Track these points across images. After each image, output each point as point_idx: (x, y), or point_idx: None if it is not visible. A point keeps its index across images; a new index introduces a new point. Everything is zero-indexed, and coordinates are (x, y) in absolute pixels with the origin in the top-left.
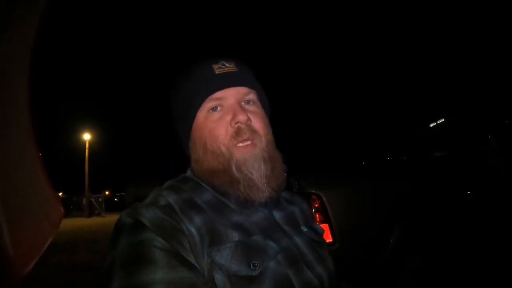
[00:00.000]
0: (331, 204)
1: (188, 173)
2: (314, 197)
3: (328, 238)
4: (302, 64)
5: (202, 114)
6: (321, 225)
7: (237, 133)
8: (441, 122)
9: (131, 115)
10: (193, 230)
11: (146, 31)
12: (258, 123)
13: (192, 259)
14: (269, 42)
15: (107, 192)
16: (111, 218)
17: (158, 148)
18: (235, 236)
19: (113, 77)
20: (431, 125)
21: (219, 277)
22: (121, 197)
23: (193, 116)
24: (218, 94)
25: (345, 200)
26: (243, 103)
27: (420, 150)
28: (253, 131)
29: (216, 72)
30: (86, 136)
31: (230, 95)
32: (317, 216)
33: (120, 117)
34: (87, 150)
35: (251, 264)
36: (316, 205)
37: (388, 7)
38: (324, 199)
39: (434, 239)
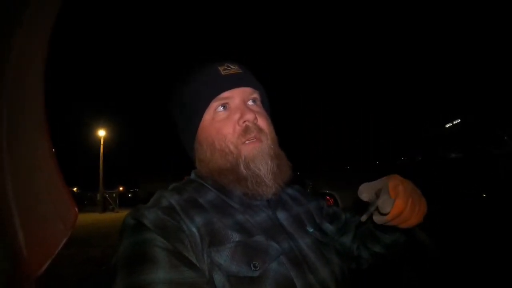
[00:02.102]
0: (345, 204)
1: (192, 175)
2: (328, 197)
3: None
4: (315, 63)
5: (209, 114)
6: None
7: (245, 131)
8: (457, 122)
9: (146, 112)
10: (194, 229)
11: (163, 32)
12: (263, 122)
13: (193, 259)
14: (278, 39)
15: (121, 188)
16: (125, 214)
17: (171, 145)
18: (235, 236)
19: (129, 75)
20: (447, 125)
21: (218, 278)
22: (134, 193)
23: (200, 116)
24: (225, 94)
25: None
26: (248, 102)
27: (435, 151)
28: (260, 129)
29: (223, 73)
30: (101, 133)
31: (237, 95)
32: None
33: (135, 114)
34: (101, 147)
35: (251, 264)
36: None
37: (407, 3)
38: (338, 199)
39: (448, 241)
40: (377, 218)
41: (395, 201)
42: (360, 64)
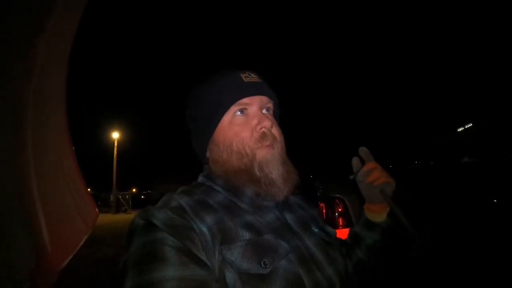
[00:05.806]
0: (354, 208)
1: (200, 178)
2: (337, 201)
3: None
4: (330, 68)
5: (227, 117)
6: (343, 229)
7: (262, 137)
8: (469, 127)
9: (160, 114)
10: (204, 229)
11: (177, 37)
12: (276, 130)
13: (203, 257)
14: (289, 47)
15: (134, 190)
16: None
17: (185, 147)
18: (246, 234)
19: (142, 77)
20: (459, 129)
21: (229, 275)
22: (147, 195)
23: (219, 118)
24: (246, 100)
25: None
26: (264, 111)
27: (447, 155)
28: (274, 137)
29: (245, 80)
30: (115, 135)
31: (255, 102)
32: (340, 221)
33: (149, 116)
34: (115, 148)
35: (262, 262)
36: (340, 210)
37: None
38: (348, 203)
39: (458, 249)
40: (359, 174)
41: (370, 162)
42: (372, 69)
